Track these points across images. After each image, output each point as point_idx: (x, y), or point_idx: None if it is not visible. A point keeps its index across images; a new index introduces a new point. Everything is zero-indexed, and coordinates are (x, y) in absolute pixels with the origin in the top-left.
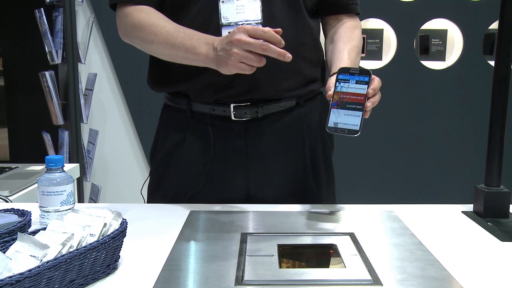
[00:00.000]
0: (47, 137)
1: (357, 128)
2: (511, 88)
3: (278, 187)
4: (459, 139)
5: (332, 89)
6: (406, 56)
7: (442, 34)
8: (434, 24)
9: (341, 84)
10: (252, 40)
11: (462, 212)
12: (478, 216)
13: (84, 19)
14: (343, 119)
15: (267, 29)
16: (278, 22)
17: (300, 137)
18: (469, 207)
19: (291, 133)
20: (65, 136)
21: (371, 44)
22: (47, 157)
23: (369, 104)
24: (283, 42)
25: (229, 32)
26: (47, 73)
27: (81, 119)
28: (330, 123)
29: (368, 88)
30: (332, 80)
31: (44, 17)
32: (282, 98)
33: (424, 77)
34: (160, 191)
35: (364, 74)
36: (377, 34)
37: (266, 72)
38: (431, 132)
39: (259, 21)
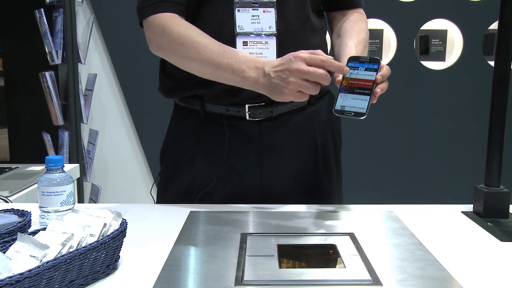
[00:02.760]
0: (47, 138)
1: (364, 111)
2: (511, 88)
3: (292, 184)
4: (459, 139)
5: (341, 75)
6: (406, 56)
7: (442, 34)
8: (434, 24)
9: (351, 71)
10: (311, 69)
11: (462, 212)
12: (478, 216)
13: (84, 19)
14: (351, 103)
15: (325, 58)
16: (292, 29)
17: (311, 135)
18: (469, 207)
19: (303, 131)
20: (65, 136)
21: (371, 44)
22: (47, 157)
23: (378, 90)
24: (346, 69)
25: (281, 59)
26: (47, 74)
27: (81, 120)
28: (337, 106)
29: (377, 74)
30: None
31: (44, 17)
32: None
33: (424, 77)
34: (171, 191)
35: (373, 62)
36: (377, 34)
37: None
38: (431, 132)
39: (274, 32)
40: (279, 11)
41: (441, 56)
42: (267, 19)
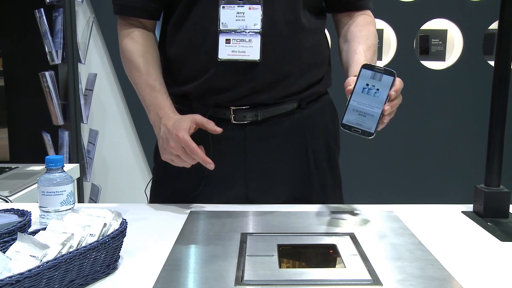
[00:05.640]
0: (47, 137)
1: (372, 130)
2: (511, 88)
3: (279, 193)
4: (459, 139)
5: (352, 85)
6: (406, 56)
7: (442, 34)
8: (434, 24)
9: (362, 82)
10: (180, 153)
11: (462, 212)
12: (478, 216)
13: (84, 19)
14: (359, 119)
15: (194, 149)
16: (279, 29)
17: (302, 141)
18: (469, 207)
19: (292, 136)
20: (65, 136)
21: None
22: (47, 157)
23: (387, 108)
24: (212, 166)
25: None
26: (47, 73)
27: (81, 119)
28: (345, 121)
29: (390, 89)
30: (353, 77)
31: (44, 17)
32: (283, 102)
33: (424, 77)
34: (161, 193)
35: (388, 74)
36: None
37: (266, 78)
38: (431, 132)
39: (258, 30)
40: (266, 8)
41: (441, 56)
42: (253, 16)
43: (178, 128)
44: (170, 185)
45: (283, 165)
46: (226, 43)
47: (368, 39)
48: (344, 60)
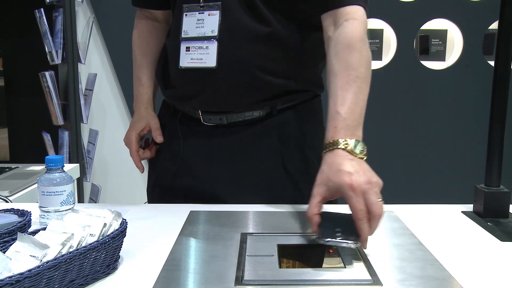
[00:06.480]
0: (47, 137)
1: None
2: (511, 88)
3: (248, 197)
4: (459, 139)
5: (315, 229)
6: (406, 56)
7: (442, 34)
8: (434, 24)
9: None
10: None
11: (462, 212)
12: (478, 216)
13: (84, 19)
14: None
15: (132, 154)
16: (239, 35)
17: (271, 148)
18: (469, 207)
19: (260, 143)
20: (65, 136)
21: (371, 44)
22: (47, 157)
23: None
24: (142, 171)
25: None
26: (47, 73)
27: (81, 119)
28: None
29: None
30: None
31: (44, 17)
32: (250, 109)
33: (424, 77)
34: (149, 185)
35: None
36: (377, 34)
37: (225, 85)
38: (431, 132)
39: (215, 36)
40: (225, 14)
41: (441, 56)
42: (211, 22)
43: (132, 126)
44: (151, 176)
45: (251, 170)
46: (186, 51)
47: (348, 68)
48: (328, 99)
